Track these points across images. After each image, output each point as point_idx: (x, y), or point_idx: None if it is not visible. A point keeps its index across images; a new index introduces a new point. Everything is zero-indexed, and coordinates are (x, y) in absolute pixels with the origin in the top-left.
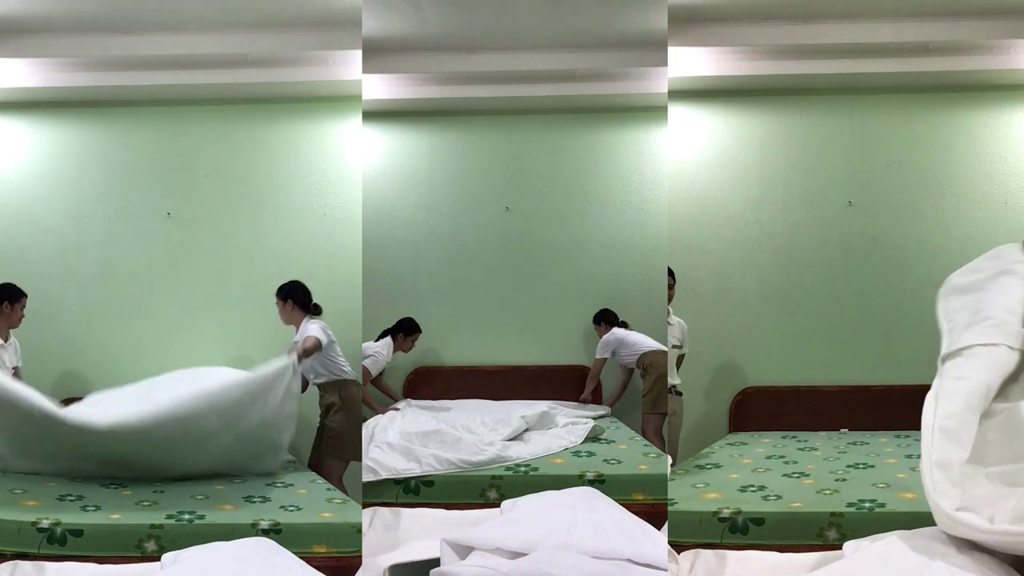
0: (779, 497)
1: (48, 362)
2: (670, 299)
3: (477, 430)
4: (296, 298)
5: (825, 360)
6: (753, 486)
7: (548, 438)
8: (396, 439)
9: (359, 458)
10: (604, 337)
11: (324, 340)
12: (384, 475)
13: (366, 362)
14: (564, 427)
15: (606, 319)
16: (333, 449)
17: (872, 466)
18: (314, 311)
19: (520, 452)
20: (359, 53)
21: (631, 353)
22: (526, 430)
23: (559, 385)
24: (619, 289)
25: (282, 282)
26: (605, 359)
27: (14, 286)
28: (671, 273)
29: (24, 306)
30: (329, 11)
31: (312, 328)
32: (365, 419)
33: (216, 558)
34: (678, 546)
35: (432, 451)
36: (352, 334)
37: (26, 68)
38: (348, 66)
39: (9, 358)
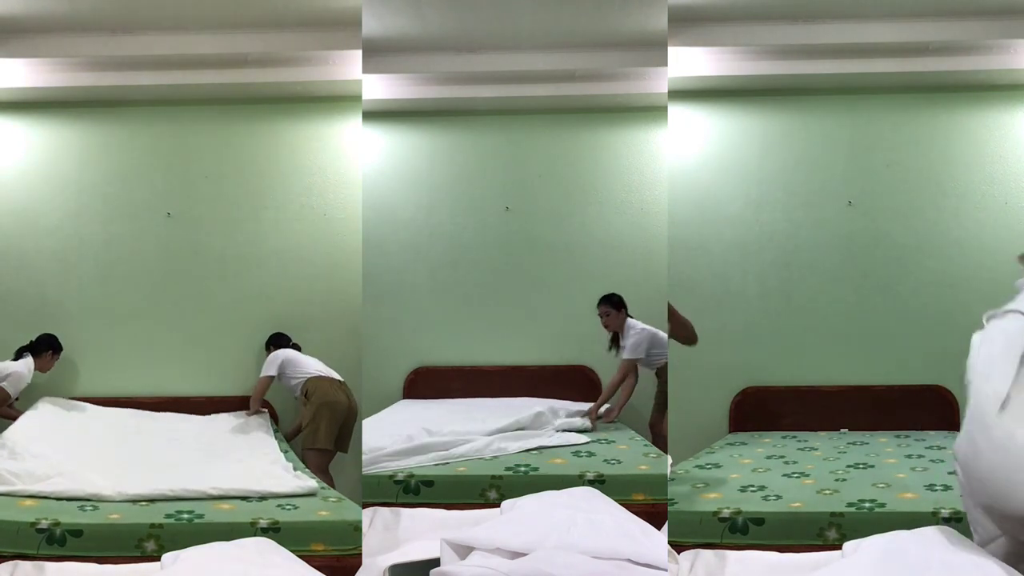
0: (779, 497)
1: None
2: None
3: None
4: (278, 343)
5: (825, 360)
6: (753, 486)
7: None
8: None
9: (341, 448)
10: (635, 336)
11: (273, 372)
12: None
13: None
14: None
15: (615, 303)
16: (305, 439)
17: (872, 466)
18: (294, 348)
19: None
20: (359, 53)
21: (662, 353)
22: (519, 429)
23: (559, 385)
24: (619, 289)
25: (279, 283)
26: (635, 362)
27: (55, 338)
28: None
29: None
30: (329, 11)
31: (266, 365)
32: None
33: (216, 558)
34: (678, 546)
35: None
36: (352, 334)
37: (26, 68)
38: (348, 66)
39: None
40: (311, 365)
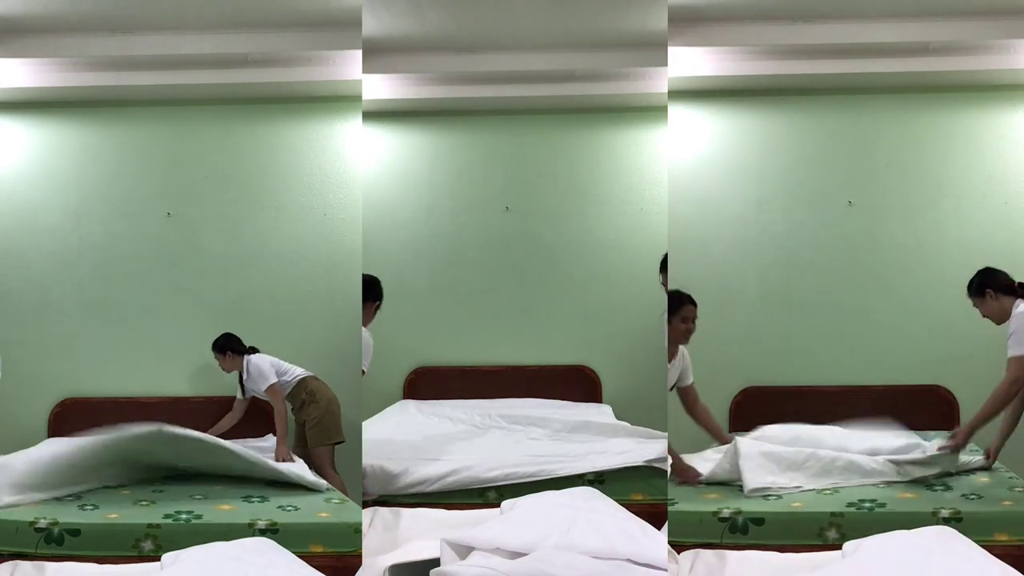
0: (779, 497)
1: (48, 362)
2: (688, 333)
3: None
4: (233, 348)
5: (825, 360)
6: None
7: None
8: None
9: (343, 438)
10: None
11: (275, 379)
12: None
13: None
14: None
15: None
16: (317, 437)
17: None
18: (250, 352)
19: None
20: (359, 53)
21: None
22: None
23: (559, 385)
24: (619, 289)
25: (279, 283)
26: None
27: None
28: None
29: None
30: (329, 11)
31: (265, 373)
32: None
33: (217, 558)
34: (678, 546)
35: None
36: (352, 334)
37: (26, 68)
38: (348, 66)
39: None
40: (294, 367)
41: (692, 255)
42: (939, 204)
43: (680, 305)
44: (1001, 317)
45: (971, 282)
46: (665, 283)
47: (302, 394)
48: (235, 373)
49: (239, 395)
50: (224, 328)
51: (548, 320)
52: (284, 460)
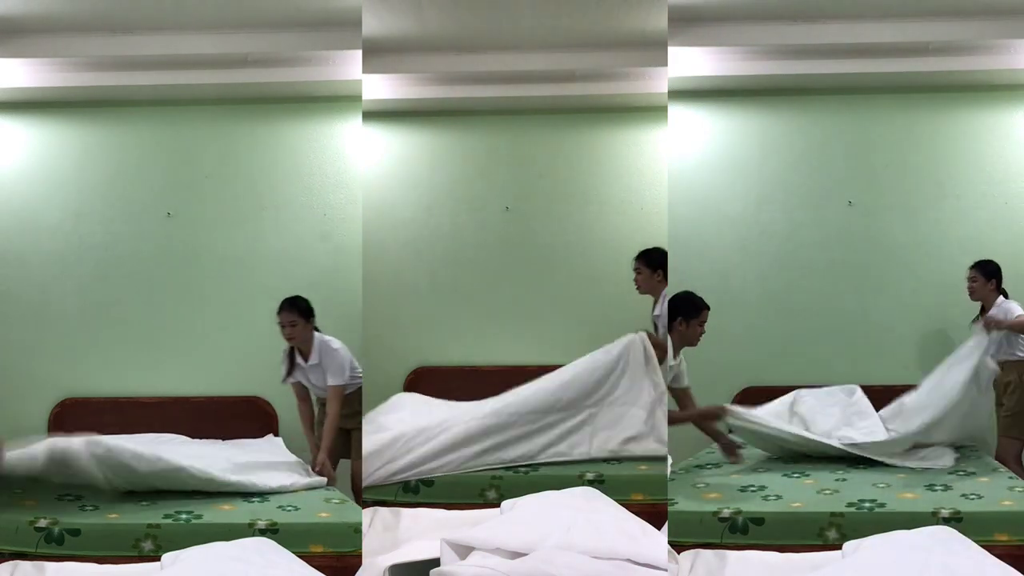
0: (779, 497)
1: (48, 362)
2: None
3: None
4: (307, 313)
5: (825, 360)
6: (753, 486)
7: None
8: None
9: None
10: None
11: (345, 381)
12: None
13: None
14: None
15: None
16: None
17: (872, 466)
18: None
19: None
20: (359, 53)
21: None
22: None
23: None
24: (619, 290)
25: (279, 283)
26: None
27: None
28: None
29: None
30: (329, 11)
31: (344, 368)
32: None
33: (217, 558)
34: (678, 546)
35: None
36: (352, 334)
37: (26, 68)
38: (348, 66)
39: None
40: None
41: (692, 255)
42: (939, 204)
43: (699, 311)
44: (982, 301)
45: (985, 262)
46: (662, 279)
47: (356, 403)
48: (280, 353)
49: (290, 379)
50: (224, 327)
51: (548, 320)
52: (323, 473)
